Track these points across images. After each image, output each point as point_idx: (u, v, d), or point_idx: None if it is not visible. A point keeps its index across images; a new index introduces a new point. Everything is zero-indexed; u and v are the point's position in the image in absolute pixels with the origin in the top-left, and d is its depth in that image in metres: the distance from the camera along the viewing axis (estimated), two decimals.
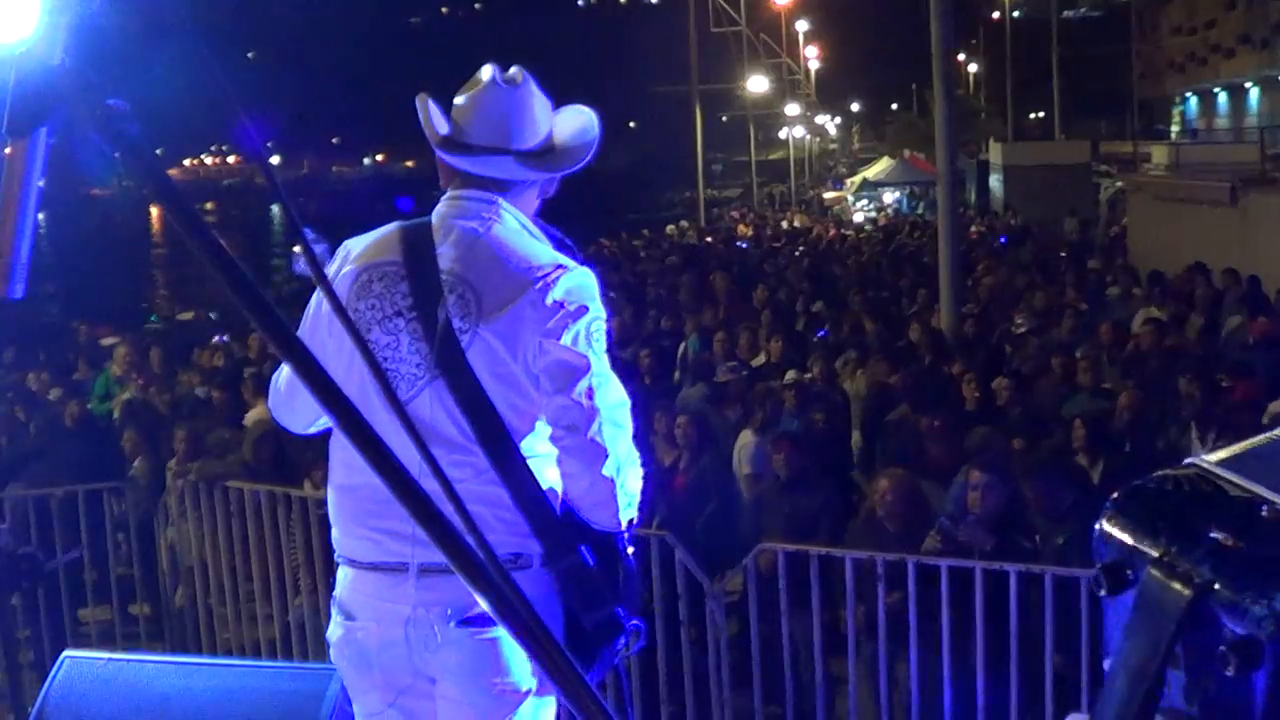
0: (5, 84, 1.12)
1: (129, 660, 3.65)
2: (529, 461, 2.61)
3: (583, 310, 2.59)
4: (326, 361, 1.28)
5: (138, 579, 7.86)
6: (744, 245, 26.25)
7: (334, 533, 2.76)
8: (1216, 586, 1.12)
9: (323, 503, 6.55)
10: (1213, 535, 1.16)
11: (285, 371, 2.80)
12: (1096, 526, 1.27)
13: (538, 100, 2.76)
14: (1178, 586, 1.14)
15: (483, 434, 2.57)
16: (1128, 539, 1.24)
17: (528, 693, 2.61)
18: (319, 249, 3.02)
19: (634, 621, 2.68)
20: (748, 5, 46.72)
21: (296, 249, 1.37)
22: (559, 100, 2.86)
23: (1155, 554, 1.19)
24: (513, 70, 2.78)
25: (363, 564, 2.67)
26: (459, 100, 2.77)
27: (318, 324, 2.71)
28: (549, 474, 2.64)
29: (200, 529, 7.32)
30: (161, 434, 8.64)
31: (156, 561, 7.74)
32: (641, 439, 2.83)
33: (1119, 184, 29.41)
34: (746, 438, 8.32)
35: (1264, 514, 1.18)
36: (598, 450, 2.56)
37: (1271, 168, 20.10)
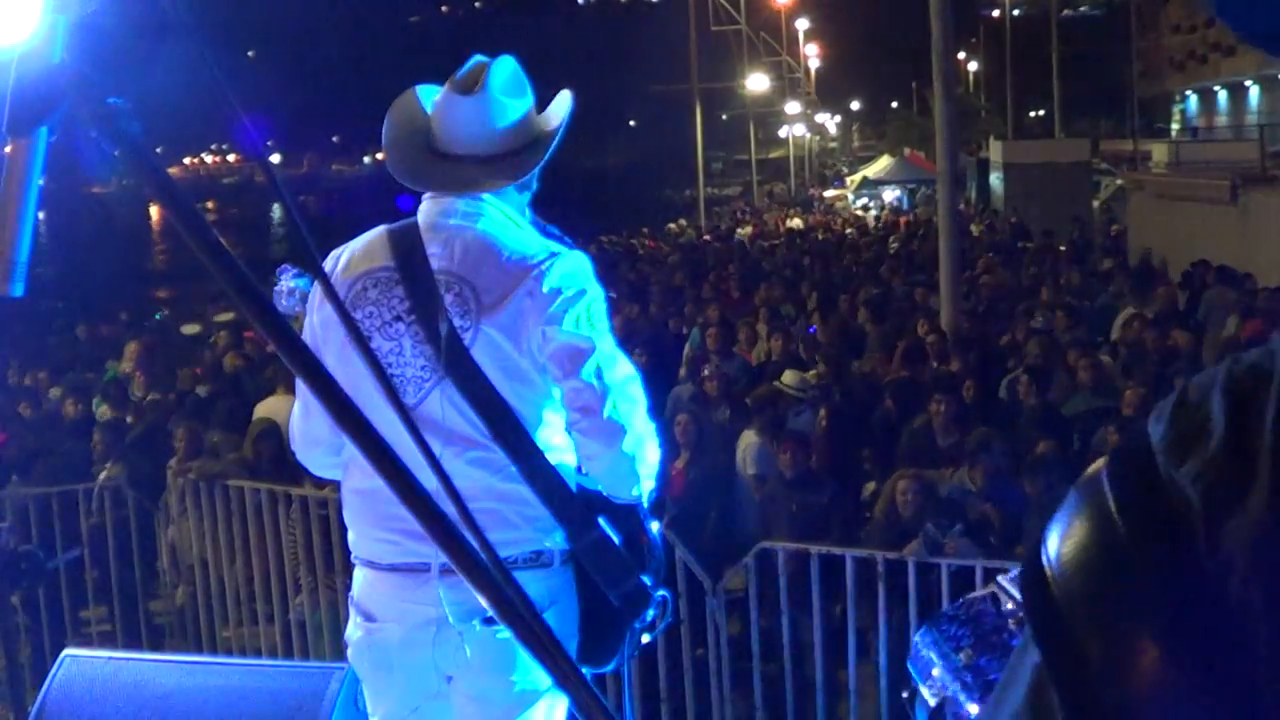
0: (6, 83, 1.11)
1: (129, 660, 3.65)
2: (544, 452, 2.62)
3: (581, 293, 2.60)
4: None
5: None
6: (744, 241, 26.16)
7: (350, 535, 2.75)
8: None
9: (323, 502, 6.59)
10: None
11: (299, 405, 2.80)
12: None
13: (495, 104, 2.68)
14: None
15: (497, 428, 2.58)
16: None
17: (545, 691, 2.60)
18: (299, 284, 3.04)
19: (661, 592, 2.69)
20: (748, 3, 46.77)
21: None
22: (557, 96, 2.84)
23: None
24: (474, 70, 2.70)
25: (382, 566, 2.66)
26: (436, 98, 2.76)
27: (313, 338, 2.70)
28: (561, 459, 2.65)
29: (200, 528, 7.31)
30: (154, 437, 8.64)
31: (157, 560, 7.75)
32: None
33: (1119, 182, 29.37)
34: (750, 438, 8.25)
35: None
36: (615, 429, 2.58)
37: (1272, 166, 20.09)
